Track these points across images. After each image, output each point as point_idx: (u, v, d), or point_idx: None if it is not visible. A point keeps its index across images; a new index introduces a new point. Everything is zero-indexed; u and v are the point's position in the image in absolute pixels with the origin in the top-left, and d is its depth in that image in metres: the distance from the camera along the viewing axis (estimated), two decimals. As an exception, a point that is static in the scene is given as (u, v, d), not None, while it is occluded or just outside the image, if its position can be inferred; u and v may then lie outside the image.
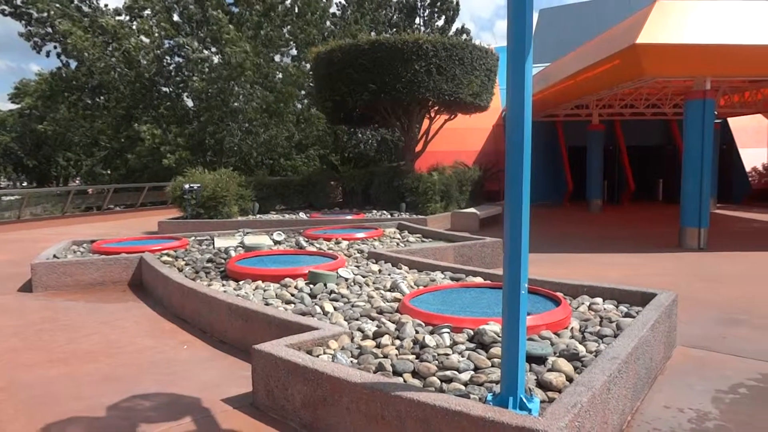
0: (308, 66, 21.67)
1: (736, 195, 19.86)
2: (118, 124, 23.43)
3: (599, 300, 5.06)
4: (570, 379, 3.26)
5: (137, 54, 21.40)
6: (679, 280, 7.68)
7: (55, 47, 23.35)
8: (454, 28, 29.13)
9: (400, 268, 6.86)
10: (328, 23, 24.62)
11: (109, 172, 25.96)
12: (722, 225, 13.73)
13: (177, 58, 23.34)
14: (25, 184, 43.22)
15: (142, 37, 21.84)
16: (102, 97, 24.01)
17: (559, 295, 4.94)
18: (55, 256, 8.06)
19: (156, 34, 22.03)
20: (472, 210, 14.32)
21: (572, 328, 4.28)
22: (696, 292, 6.95)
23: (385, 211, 14.53)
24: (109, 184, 22.34)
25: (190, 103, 23.74)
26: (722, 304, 6.39)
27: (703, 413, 3.62)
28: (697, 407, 3.71)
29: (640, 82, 11.33)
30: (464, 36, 28.37)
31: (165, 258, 7.76)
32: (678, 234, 10.64)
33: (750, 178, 20.15)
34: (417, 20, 28.64)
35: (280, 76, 22.81)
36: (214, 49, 21.95)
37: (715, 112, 10.70)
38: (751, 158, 20.29)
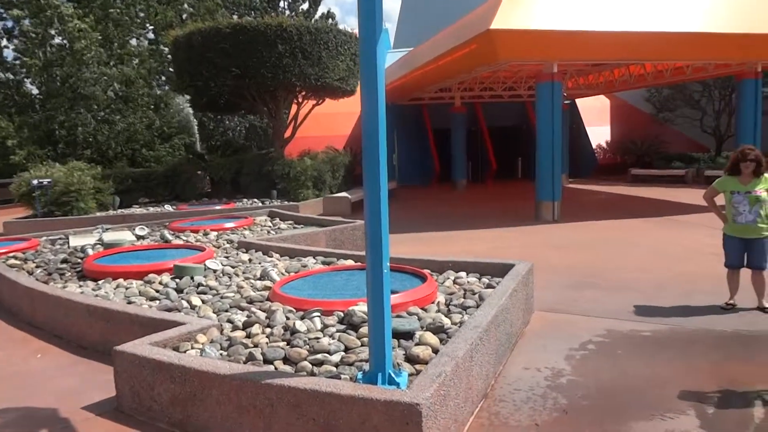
0: (166, 50, 20.60)
1: (584, 170, 21.59)
2: (-53, 116, 20.94)
3: (463, 274, 5.31)
4: (436, 351, 3.41)
5: None
6: (535, 250, 8.25)
7: None
8: (319, 13, 28.94)
9: (272, 256, 6.78)
10: (185, 5, 23.43)
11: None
12: (573, 198, 14.90)
13: (15, 41, 21.21)
14: None
15: None
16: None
17: (426, 272, 5.13)
18: None
19: None
20: (343, 194, 14.42)
21: (438, 302, 4.47)
22: (551, 260, 7.50)
23: (256, 200, 14.24)
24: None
25: (34, 90, 21.69)
26: (574, 270, 6.96)
27: (557, 370, 3.94)
28: (552, 366, 4.03)
29: (496, 66, 11.94)
30: (330, 21, 28.28)
31: (12, 261, 7.10)
32: (534, 208, 11.40)
33: (596, 154, 22.00)
34: (281, 4, 28.12)
35: (137, 61, 21.49)
36: (54, 31, 20.08)
37: (564, 94, 11.54)
38: (597, 136, 22.15)
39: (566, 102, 19.13)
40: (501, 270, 5.22)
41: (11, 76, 21.34)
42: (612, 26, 10.26)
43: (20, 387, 4.01)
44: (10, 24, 21.10)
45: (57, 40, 20.15)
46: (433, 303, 4.44)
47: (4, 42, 21.26)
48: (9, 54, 21.42)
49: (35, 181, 12.53)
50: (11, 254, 7.53)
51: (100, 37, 19.46)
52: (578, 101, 21.63)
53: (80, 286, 5.69)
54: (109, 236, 8.40)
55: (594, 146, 21.98)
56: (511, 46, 10.14)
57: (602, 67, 15.49)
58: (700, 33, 10.52)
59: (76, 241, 8.28)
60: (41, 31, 19.28)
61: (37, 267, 6.78)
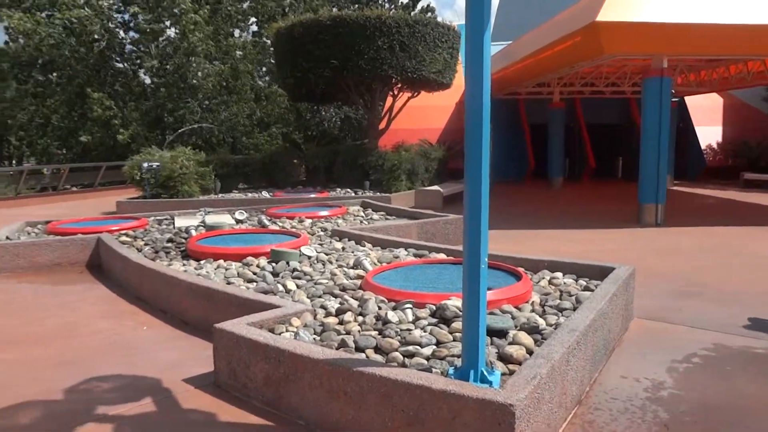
0: (269, 42, 21.30)
1: (692, 172, 20.37)
2: (72, 102, 22.66)
3: (559, 274, 5.14)
4: (530, 352, 3.31)
5: (82, 27, 20.44)
6: (636, 254, 7.86)
7: (1, 20, 22.36)
8: (419, 7, 28.86)
9: (364, 246, 6.85)
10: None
11: (64, 151, 25.15)
12: (678, 201, 14.09)
13: (132, 33, 22.66)
14: (-25, 164, 41.64)
15: (85, 9, 20.89)
16: (54, 74, 23.15)
17: (521, 270, 5.00)
18: (7, 237, 7.81)
19: (104, 5, 21.18)
20: (435, 188, 14.37)
21: (533, 302, 4.35)
22: (653, 265, 7.13)
23: (348, 189, 14.48)
24: (64, 163, 21.66)
25: (147, 80, 23.10)
26: (678, 277, 6.57)
27: (658, 382, 3.73)
28: (652, 377, 3.82)
29: (600, 61, 11.45)
30: (429, 14, 28.13)
31: (123, 238, 7.59)
32: (636, 210, 10.88)
33: (705, 156, 20.68)
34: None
35: (240, 53, 22.37)
36: (169, 23, 21.28)
37: (672, 91, 10.91)
38: (707, 136, 20.80)
39: (674, 99, 18.08)
40: (600, 273, 5.01)
41: (129, 66, 22.78)
42: (731, 18, 9.56)
43: (128, 356, 4.26)
44: (127, 16, 22.52)
45: (170, 32, 21.31)
46: (527, 302, 4.32)
47: (122, 34, 22.71)
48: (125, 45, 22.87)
49: (145, 164, 13.33)
50: (123, 232, 8.07)
51: (211, 29, 20.40)
52: (687, 99, 20.40)
53: (184, 265, 6.00)
54: (211, 219, 8.80)
55: (703, 147, 20.68)
56: (618, 40, 9.68)
57: (716, 63, 14.51)
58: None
59: (180, 222, 8.73)
60: (156, 26, 20.44)
61: (145, 245, 7.22)
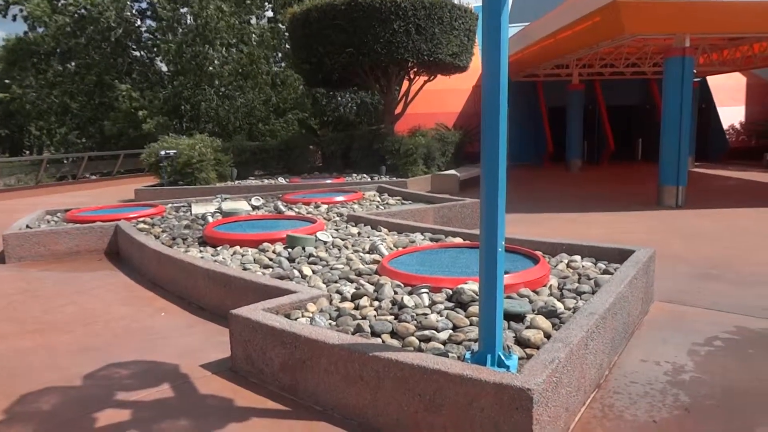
0: (284, 28, 21.22)
1: (713, 153, 20.03)
2: (90, 91, 22.83)
3: (578, 257, 5.07)
4: (548, 336, 3.27)
5: (96, 15, 20.48)
6: (656, 237, 7.75)
7: (21, 10, 22.56)
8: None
9: (380, 231, 6.82)
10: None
11: (83, 140, 25.40)
12: (700, 183, 13.87)
13: (149, 21, 22.74)
14: (-3, 154, 42.21)
15: None
16: (72, 63, 23.33)
17: (538, 253, 4.94)
18: (27, 226, 7.89)
19: None
20: (452, 172, 14.28)
21: (551, 285, 4.29)
22: (673, 248, 7.02)
23: (365, 175, 14.44)
24: (83, 152, 21.86)
25: (164, 68, 23.18)
26: (699, 259, 6.46)
27: (679, 366, 3.67)
28: (673, 360, 3.75)
29: (620, 40, 11.24)
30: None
31: (141, 225, 7.64)
32: (656, 192, 10.72)
33: (727, 136, 20.30)
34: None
35: (256, 38, 22.33)
36: (186, 10, 21.30)
37: (694, 71, 10.69)
38: (729, 116, 20.41)
39: (696, 79, 17.74)
40: (619, 256, 4.93)
41: (145, 55, 22.87)
42: (756, -5, 9.32)
43: (146, 342, 4.30)
44: (144, 5, 22.59)
45: (188, 20, 21.34)
46: (545, 286, 4.27)
47: (138, 22, 22.79)
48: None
49: (163, 152, 13.40)
50: (141, 219, 8.12)
51: (233, 21, 20.39)
52: (710, 79, 20.00)
53: (200, 252, 6.02)
54: (228, 205, 8.83)
55: (725, 128, 20.29)
56: (638, 18, 9.48)
57: (740, 41, 14.18)
58: None
59: (197, 209, 8.77)
60: (175, 14, 20.46)
61: (162, 232, 7.26)
